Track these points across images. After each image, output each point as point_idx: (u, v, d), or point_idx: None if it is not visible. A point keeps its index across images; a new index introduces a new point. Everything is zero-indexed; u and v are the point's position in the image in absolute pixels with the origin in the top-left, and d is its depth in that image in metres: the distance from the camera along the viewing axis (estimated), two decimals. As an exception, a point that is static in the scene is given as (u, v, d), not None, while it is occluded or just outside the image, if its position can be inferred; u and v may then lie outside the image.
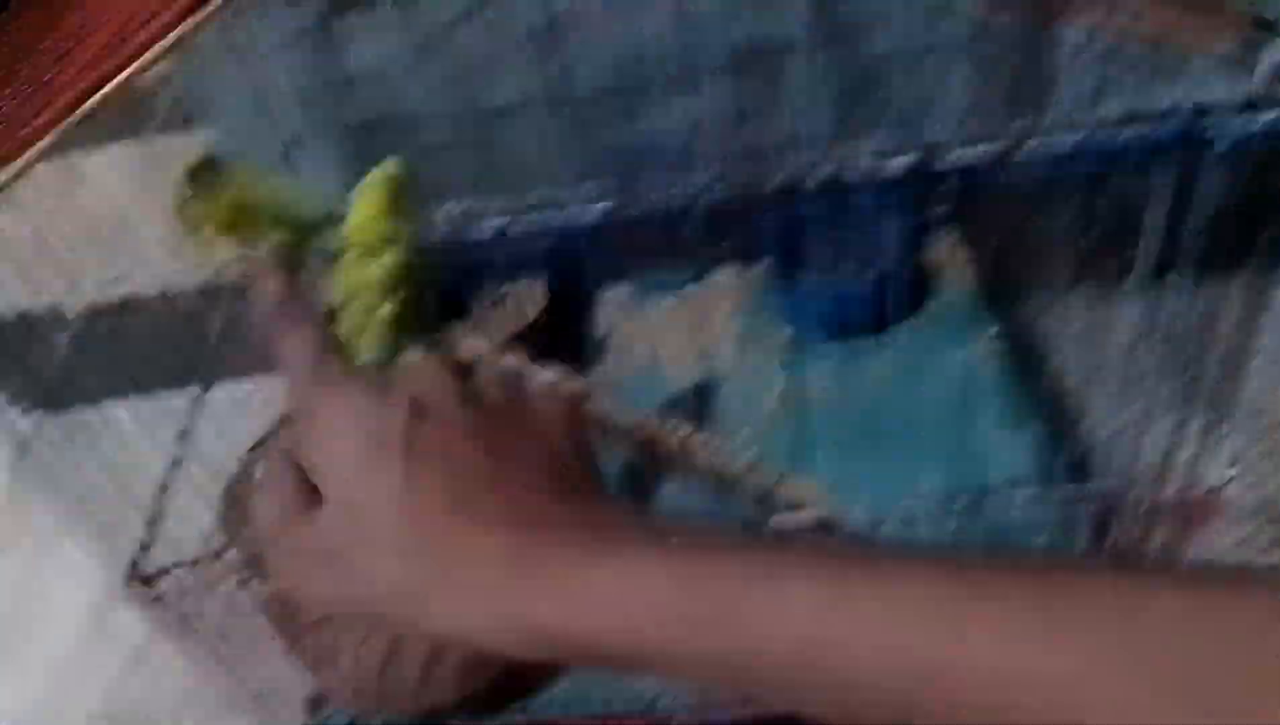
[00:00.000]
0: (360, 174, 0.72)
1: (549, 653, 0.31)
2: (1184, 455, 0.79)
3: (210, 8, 0.77)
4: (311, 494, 0.36)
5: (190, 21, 0.76)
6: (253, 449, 0.86)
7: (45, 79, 0.74)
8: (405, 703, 0.62)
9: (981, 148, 0.65)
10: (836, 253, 0.93)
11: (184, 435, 0.90)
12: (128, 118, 0.74)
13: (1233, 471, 0.78)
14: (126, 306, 0.92)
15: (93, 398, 0.81)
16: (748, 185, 0.68)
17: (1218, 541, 0.86)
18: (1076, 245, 0.89)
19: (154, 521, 0.84)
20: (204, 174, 0.62)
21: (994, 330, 1.20)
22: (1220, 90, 0.63)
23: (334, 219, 0.70)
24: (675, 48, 1.09)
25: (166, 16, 0.74)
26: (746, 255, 1.30)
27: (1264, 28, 0.62)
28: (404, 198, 0.71)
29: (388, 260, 0.70)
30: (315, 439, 0.35)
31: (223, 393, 0.96)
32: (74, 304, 0.72)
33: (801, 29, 1.09)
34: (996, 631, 0.26)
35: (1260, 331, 0.78)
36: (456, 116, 1.16)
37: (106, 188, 0.79)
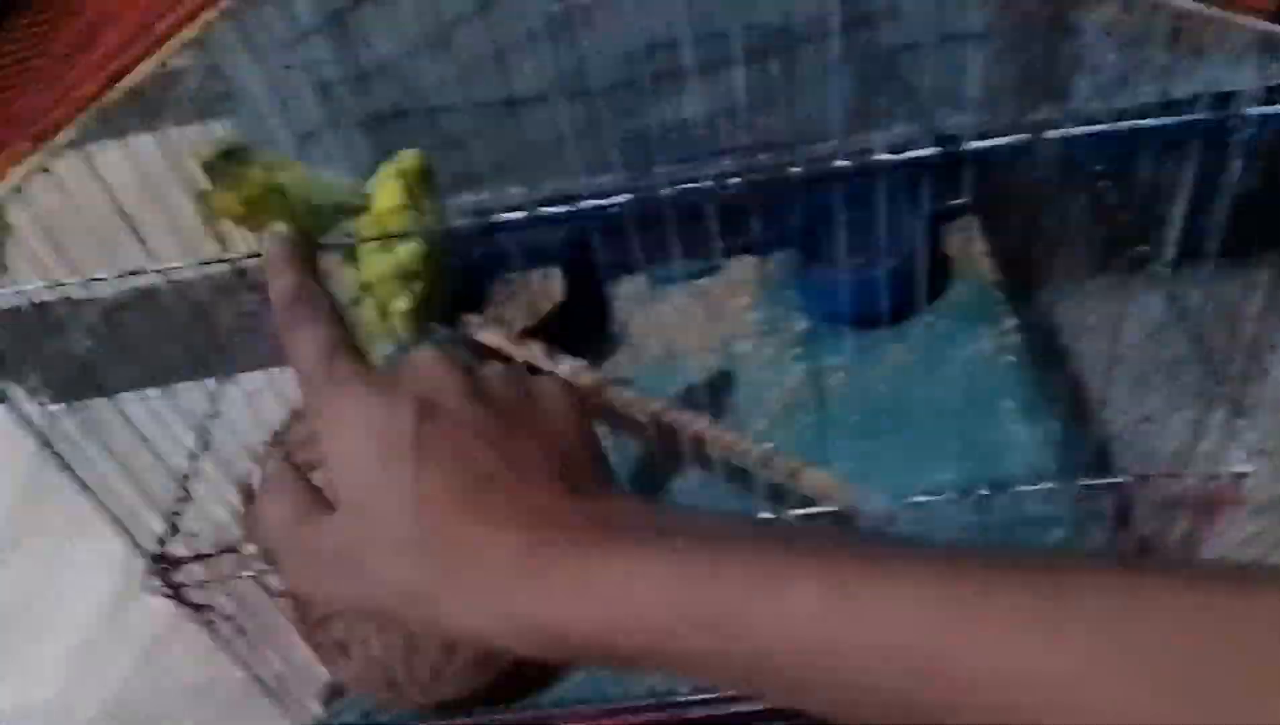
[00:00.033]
0: (379, 165, 0.72)
1: (557, 651, 0.31)
2: (1204, 447, 0.79)
3: (227, 0, 0.78)
4: (318, 493, 0.36)
5: (208, 14, 0.76)
6: (271, 442, 0.86)
7: (63, 72, 0.74)
8: (418, 696, 0.63)
9: (1001, 137, 0.64)
10: (854, 243, 0.93)
11: (203, 428, 0.91)
12: (146, 110, 0.75)
13: (1252, 464, 0.77)
14: (145, 299, 0.92)
15: (111, 390, 0.82)
16: (766, 175, 0.67)
17: (1233, 534, 0.85)
18: (1096, 235, 0.89)
19: (173, 514, 0.85)
20: (223, 165, 0.63)
21: (1013, 321, 1.19)
22: (1243, 78, 0.62)
23: (353, 209, 0.70)
24: (693, 37, 1.09)
25: (184, 9, 0.74)
26: (764, 245, 1.30)
27: (1287, 15, 0.61)
28: (422, 188, 0.71)
29: (406, 250, 0.71)
30: (325, 438, 0.35)
31: (241, 384, 0.96)
32: (92, 297, 0.72)
33: (820, 18, 1.08)
34: (997, 631, 0.26)
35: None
36: (474, 107, 1.16)
37: (125, 180, 0.79)
